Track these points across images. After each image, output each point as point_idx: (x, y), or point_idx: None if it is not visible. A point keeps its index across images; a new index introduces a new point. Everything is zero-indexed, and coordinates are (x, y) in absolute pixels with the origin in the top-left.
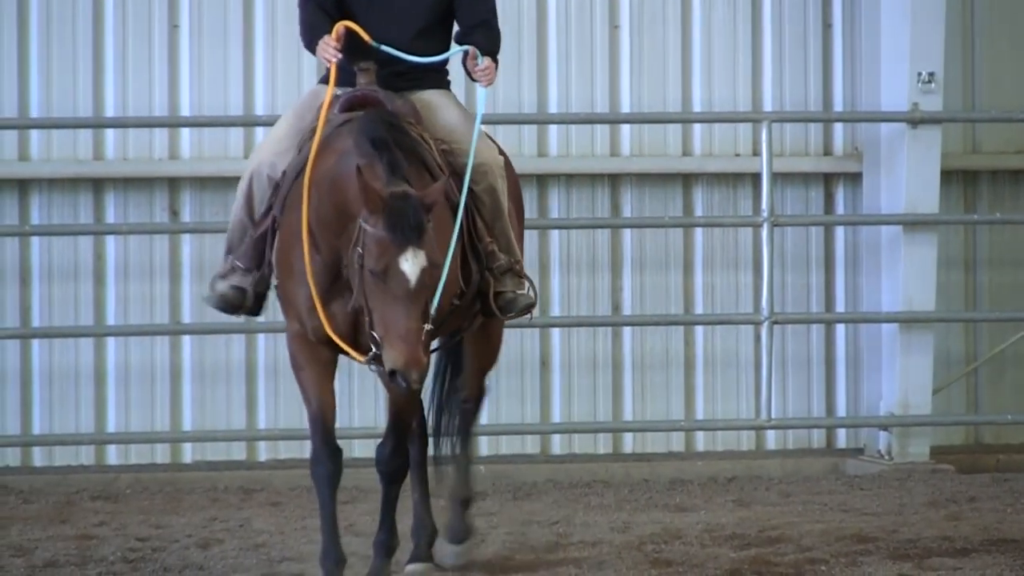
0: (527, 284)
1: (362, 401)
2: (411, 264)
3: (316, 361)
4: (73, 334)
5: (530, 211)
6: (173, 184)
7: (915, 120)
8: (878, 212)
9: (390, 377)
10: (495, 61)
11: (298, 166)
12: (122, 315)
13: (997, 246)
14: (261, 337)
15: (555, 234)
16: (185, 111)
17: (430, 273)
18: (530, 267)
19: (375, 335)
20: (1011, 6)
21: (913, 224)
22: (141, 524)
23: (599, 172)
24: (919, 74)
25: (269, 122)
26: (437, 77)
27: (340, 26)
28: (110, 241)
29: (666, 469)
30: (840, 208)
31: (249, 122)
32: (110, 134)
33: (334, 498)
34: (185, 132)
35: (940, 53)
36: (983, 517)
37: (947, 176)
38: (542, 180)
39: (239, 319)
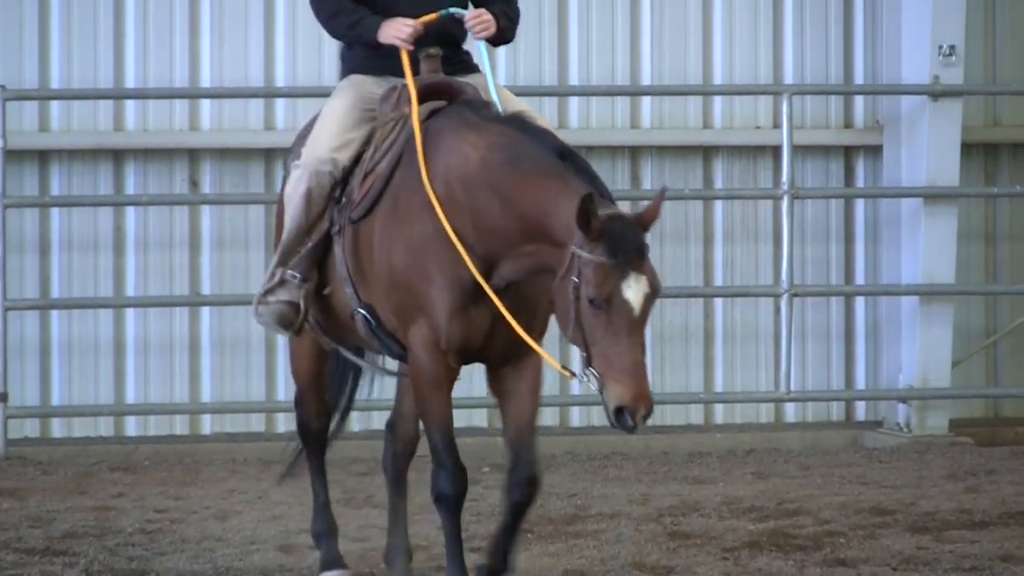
0: None
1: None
2: (634, 291)
3: (447, 380)
4: (92, 305)
5: None
6: (193, 155)
7: (936, 93)
8: (898, 185)
9: (615, 416)
10: (511, 35)
11: (394, 162)
12: (142, 286)
13: (1017, 219)
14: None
15: None
16: (206, 82)
17: (651, 300)
18: None
19: (595, 371)
20: None
21: (933, 197)
22: (159, 496)
23: (619, 144)
24: (940, 47)
25: (291, 93)
26: (472, 62)
27: (419, 22)
28: (129, 212)
29: (685, 442)
30: (860, 181)
31: (271, 93)
32: (130, 105)
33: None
34: (205, 103)
35: (961, 26)
36: (1002, 490)
37: (967, 149)
38: None
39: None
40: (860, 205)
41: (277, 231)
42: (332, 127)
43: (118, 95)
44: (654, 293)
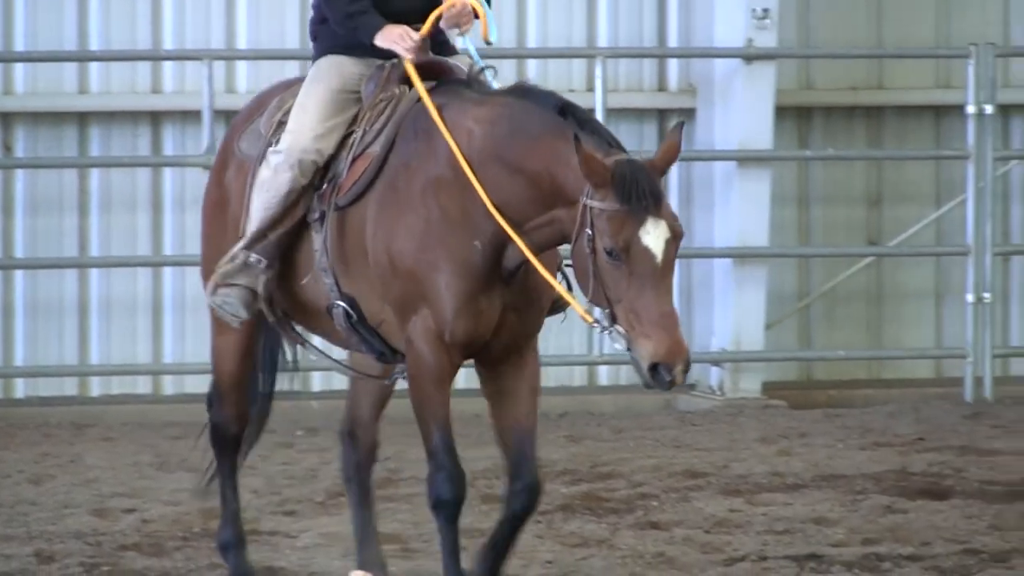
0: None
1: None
2: (654, 237)
3: (449, 376)
4: None
5: None
6: (155, 118)
7: (749, 56)
8: (712, 148)
9: (651, 373)
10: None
11: (388, 144)
12: None
13: (831, 182)
14: (94, 273)
15: None
16: (168, 45)
17: (674, 246)
18: None
19: (621, 330)
20: None
21: (746, 160)
22: None
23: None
24: (753, 10)
25: (249, 56)
26: (451, 44)
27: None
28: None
29: None
30: None
31: (231, 56)
32: (94, 67)
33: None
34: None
35: None
36: (814, 453)
37: (781, 112)
38: None
39: (73, 255)
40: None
41: (206, 212)
42: (315, 113)
43: (82, 58)
44: (676, 238)
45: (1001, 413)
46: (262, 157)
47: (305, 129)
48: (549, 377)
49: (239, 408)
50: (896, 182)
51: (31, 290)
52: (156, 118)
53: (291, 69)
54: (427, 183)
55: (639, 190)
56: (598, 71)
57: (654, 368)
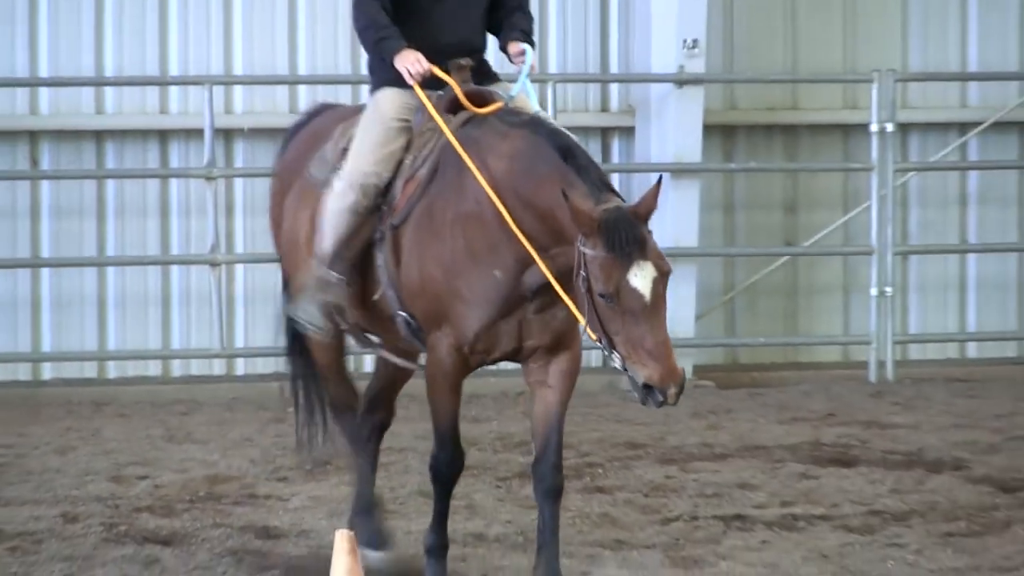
0: None
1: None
2: (641, 279)
3: (458, 385)
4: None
5: None
6: (162, 135)
7: (681, 81)
8: (649, 161)
9: (646, 393)
10: (533, 42)
11: (432, 170)
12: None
13: (752, 191)
14: (111, 270)
15: None
16: (174, 72)
17: (662, 282)
18: None
19: (619, 358)
20: None
21: (679, 171)
22: (5, 433)
23: None
24: (684, 40)
25: (244, 81)
26: (493, 71)
27: (433, 67)
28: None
29: (467, 385)
30: (616, 157)
31: (229, 81)
32: (109, 91)
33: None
34: (173, 89)
35: (703, 21)
36: (739, 427)
37: (709, 130)
38: None
39: (91, 254)
40: (615, 179)
41: (277, 230)
42: (373, 140)
43: (99, 82)
44: (663, 275)
45: (900, 392)
46: (329, 182)
47: (365, 155)
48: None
49: (345, 384)
50: (809, 191)
51: (56, 285)
52: (163, 135)
53: (281, 92)
54: (456, 216)
55: (623, 238)
56: (549, 94)
57: (649, 388)
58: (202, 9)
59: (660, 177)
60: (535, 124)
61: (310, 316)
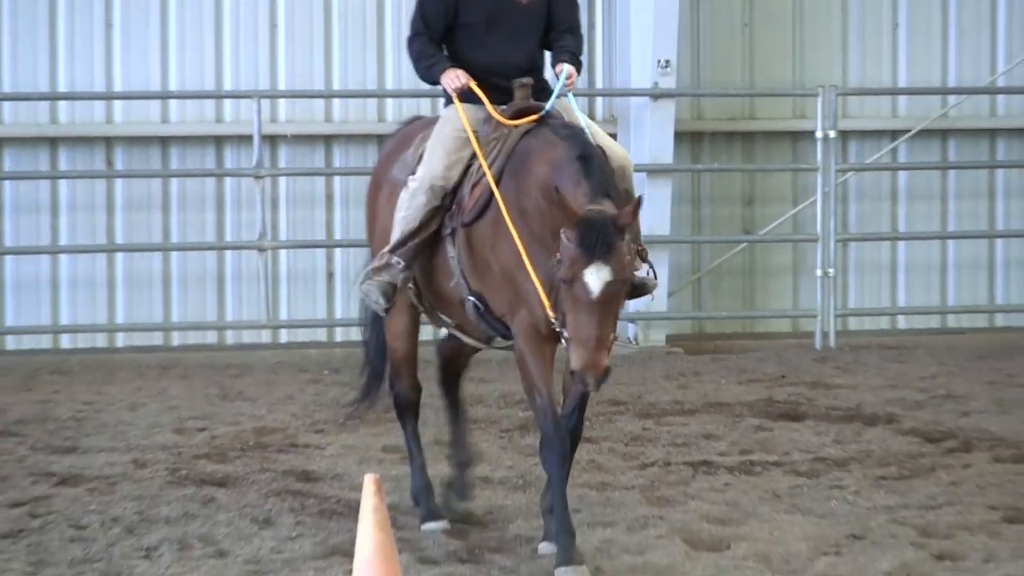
0: (649, 267)
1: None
2: (595, 277)
3: (542, 354)
4: (35, 252)
5: None
6: (218, 140)
7: (655, 95)
8: None
9: (572, 376)
10: (580, 65)
11: (497, 176)
12: (73, 237)
13: (716, 187)
14: (174, 255)
15: None
16: (227, 87)
17: (616, 287)
18: None
19: (565, 335)
20: (726, 9)
21: (654, 171)
22: (85, 392)
23: None
24: (659, 61)
25: (287, 95)
26: (551, 88)
27: (470, 80)
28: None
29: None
30: None
31: (273, 95)
32: (173, 103)
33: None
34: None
35: (675, 45)
36: (704, 387)
37: (679, 136)
38: None
39: (156, 241)
40: None
41: (370, 222)
42: (443, 149)
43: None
44: (615, 282)
45: (841, 357)
46: (405, 182)
47: (435, 161)
48: None
49: (412, 379)
50: (764, 187)
51: (127, 267)
52: (219, 141)
53: (318, 104)
54: (521, 211)
55: (593, 237)
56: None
57: (573, 373)
58: (251, 33)
59: (640, 197)
60: (574, 136)
61: (372, 294)
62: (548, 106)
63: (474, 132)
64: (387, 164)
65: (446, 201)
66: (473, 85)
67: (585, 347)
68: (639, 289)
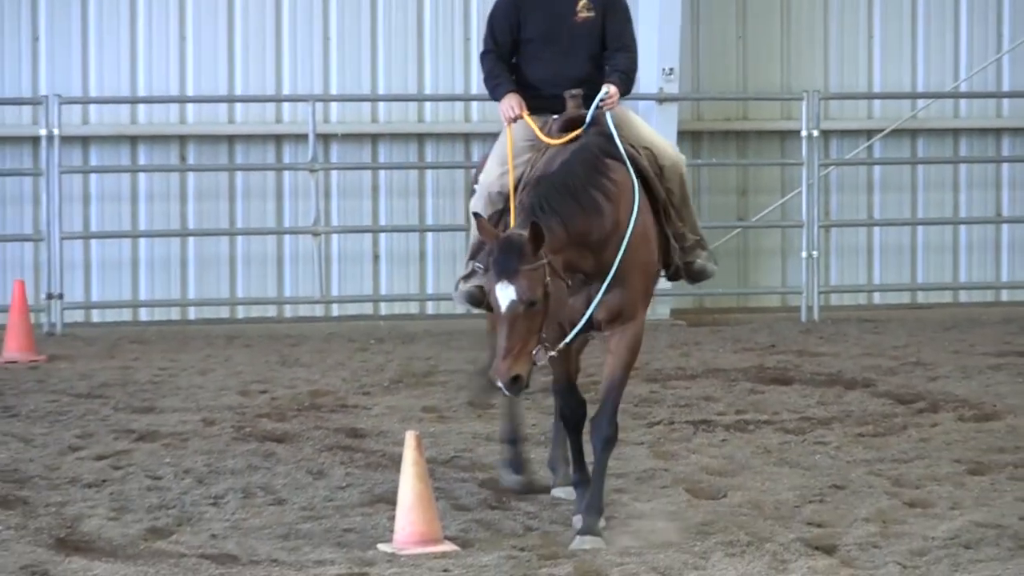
0: (709, 255)
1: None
2: (501, 294)
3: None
4: (116, 236)
5: None
6: (278, 139)
7: (661, 99)
8: None
9: (491, 376)
10: (628, 89)
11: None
12: (151, 223)
13: (713, 180)
14: (240, 238)
15: None
16: (286, 91)
17: (518, 307)
18: None
19: None
20: (723, 23)
21: None
22: (161, 359)
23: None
24: (663, 68)
25: (338, 98)
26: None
27: (523, 110)
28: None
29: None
30: None
31: (327, 98)
32: (238, 106)
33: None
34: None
35: (677, 54)
36: (704, 355)
37: (681, 135)
38: None
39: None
40: None
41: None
42: (500, 157)
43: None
44: (518, 302)
45: (824, 329)
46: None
47: (491, 170)
48: None
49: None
50: (756, 180)
51: (199, 250)
52: (278, 139)
53: (366, 107)
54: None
55: (498, 260)
56: None
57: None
58: (306, 44)
59: (535, 224)
60: (569, 153)
61: (460, 297)
62: (588, 118)
63: (530, 143)
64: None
65: (507, 205)
66: (525, 115)
67: (498, 356)
68: (699, 275)
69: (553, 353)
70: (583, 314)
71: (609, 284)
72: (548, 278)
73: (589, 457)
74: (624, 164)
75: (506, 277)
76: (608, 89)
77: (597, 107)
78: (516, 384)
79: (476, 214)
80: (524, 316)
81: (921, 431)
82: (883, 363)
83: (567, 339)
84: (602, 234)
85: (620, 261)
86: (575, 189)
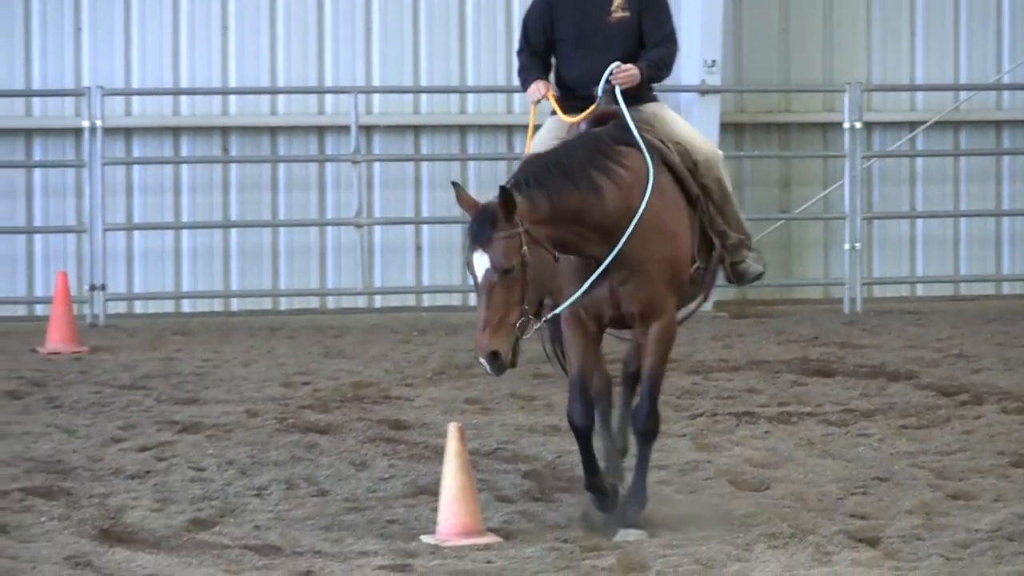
0: (757, 255)
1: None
2: (476, 263)
3: (582, 335)
4: (158, 227)
5: None
6: (320, 130)
7: (703, 91)
8: None
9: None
10: (660, 77)
11: None
12: (191, 215)
13: (756, 172)
14: (281, 230)
15: None
16: (328, 83)
17: (496, 275)
18: None
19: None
20: (765, 15)
21: None
22: (204, 351)
23: None
24: (705, 61)
25: (380, 90)
26: (650, 93)
27: (549, 92)
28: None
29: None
30: None
31: (368, 90)
32: (280, 98)
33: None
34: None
35: (719, 47)
36: (747, 347)
37: (724, 127)
38: None
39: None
40: None
41: None
42: (534, 149)
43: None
44: (492, 269)
45: (866, 321)
46: None
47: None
48: None
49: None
50: (798, 172)
51: (241, 241)
52: (320, 130)
53: (407, 99)
54: None
55: (474, 228)
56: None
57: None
58: (348, 36)
59: (505, 187)
60: (577, 135)
61: None
62: (599, 91)
63: (559, 140)
64: None
65: None
66: (551, 96)
67: (477, 328)
68: (745, 276)
69: (538, 325)
70: (608, 303)
71: (625, 275)
72: (525, 247)
73: (602, 461)
74: (641, 152)
75: (480, 245)
76: (619, 64)
77: (607, 81)
78: (496, 361)
79: (454, 183)
80: (501, 285)
81: (964, 423)
82: (926, 355)
83: (557, 310)
84: (605, 217)
85: (634, 252)
86: (569, 167)
